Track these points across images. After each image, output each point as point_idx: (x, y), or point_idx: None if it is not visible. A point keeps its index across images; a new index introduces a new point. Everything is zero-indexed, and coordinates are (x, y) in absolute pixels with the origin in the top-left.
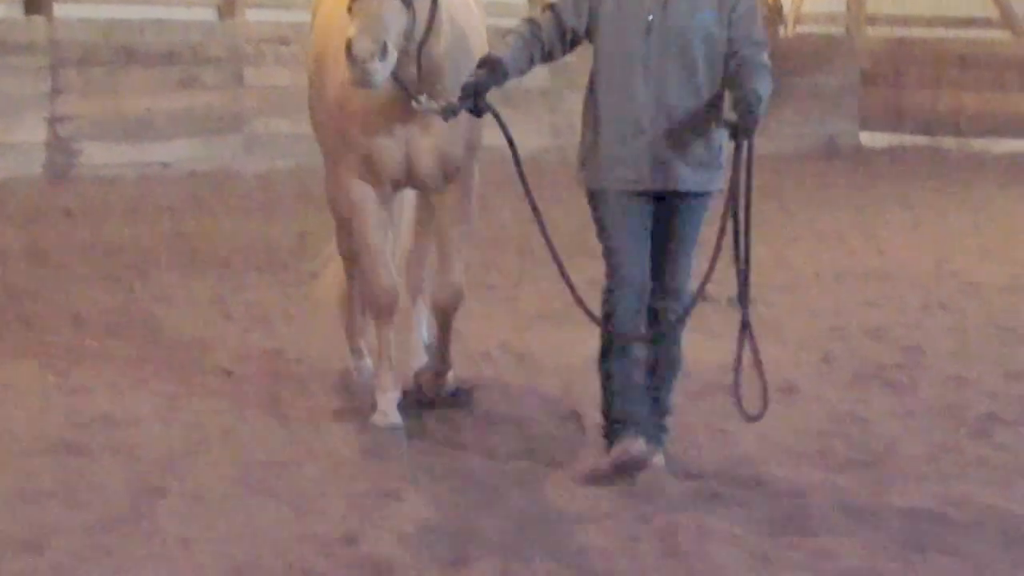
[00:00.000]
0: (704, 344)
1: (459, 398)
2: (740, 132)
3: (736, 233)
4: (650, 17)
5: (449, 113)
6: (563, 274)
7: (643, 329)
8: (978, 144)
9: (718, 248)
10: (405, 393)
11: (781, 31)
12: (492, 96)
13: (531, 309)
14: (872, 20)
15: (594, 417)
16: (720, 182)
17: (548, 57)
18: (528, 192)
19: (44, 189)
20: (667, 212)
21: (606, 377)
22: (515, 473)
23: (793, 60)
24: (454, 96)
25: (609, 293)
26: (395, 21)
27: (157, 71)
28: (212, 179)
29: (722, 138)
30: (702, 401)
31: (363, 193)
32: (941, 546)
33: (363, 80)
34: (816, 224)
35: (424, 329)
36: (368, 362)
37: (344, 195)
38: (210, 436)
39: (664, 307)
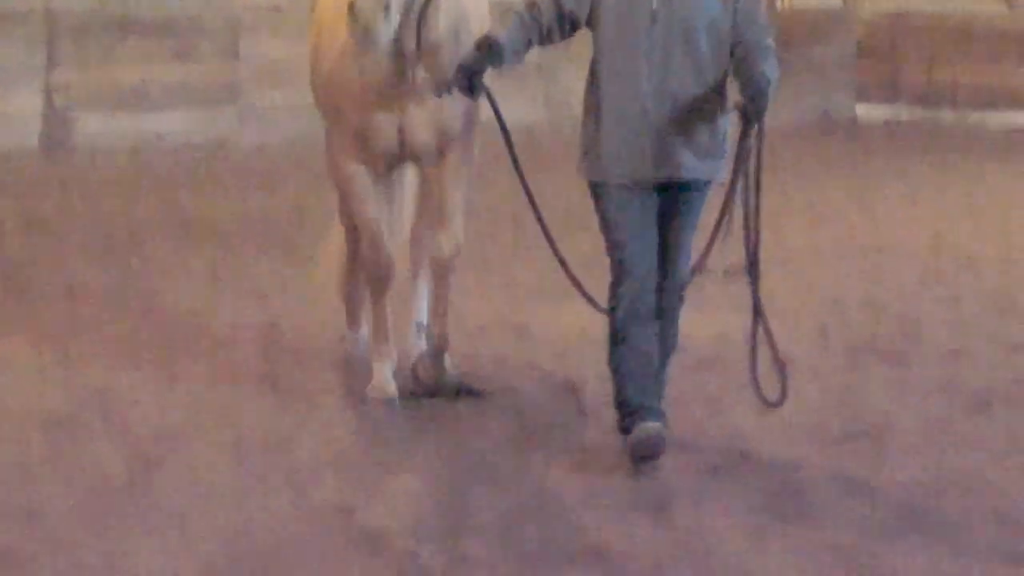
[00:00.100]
0: (699, 318)
1: (461, 393)
2: (751, 115)
3: (747, 219)
4: (654, 5)
5: (442, 90)
6: (558, 257)
7: (652, 322)
8: (975, 118)
9: (717, 227)
10: (412, 392)
11: (778, 4)
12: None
13: (528, 283)
14: None
15: (590, 390)
16: (723, 171)
17: (547, 41)
18: (522, 178)
19: (39, 160)
20: (670, 202)
21: (617, 370)
22: (510, 446)
23: (789, 33)
24: (451, 73)
25: (616, 288)
26: None
27: (153, 42)
28: (208, 151)
29: (726, 126)
30: (697, 375)
31: (358, 167)
32: (936, 520)
33: (365, 39)
34: (812, 198)
35: (425, 313)
36: (365, 333)
37: (340, 168)
38: (206, 409)
39: (663, 292)
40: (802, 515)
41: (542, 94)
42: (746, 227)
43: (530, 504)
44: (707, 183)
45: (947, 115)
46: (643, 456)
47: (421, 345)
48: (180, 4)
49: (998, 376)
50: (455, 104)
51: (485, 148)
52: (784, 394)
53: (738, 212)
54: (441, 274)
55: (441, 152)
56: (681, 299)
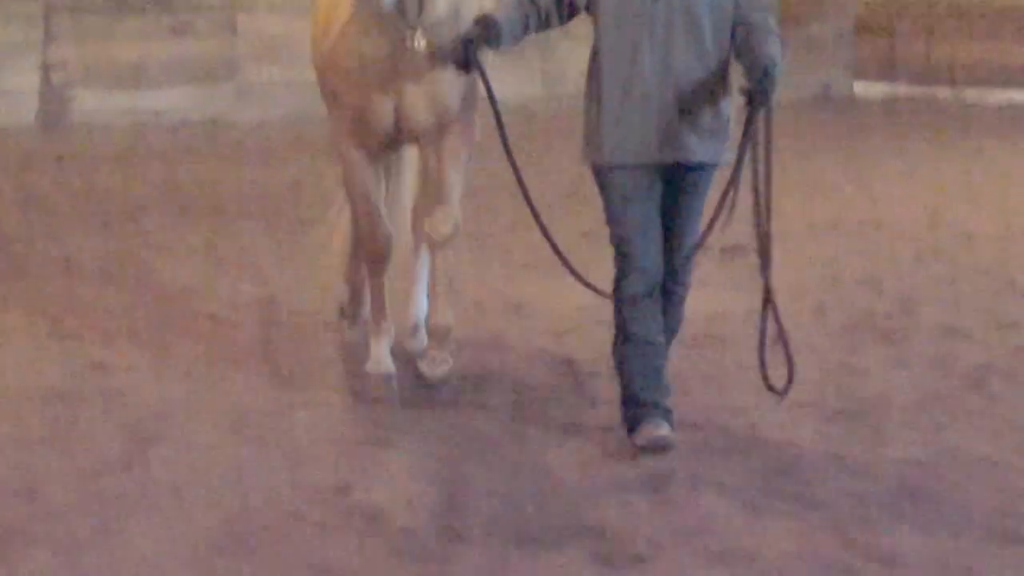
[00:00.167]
0: (696, 294)
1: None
2: (758, 99)
3: (757, 204)
4: None
5: (438, 55)
6: (551, 242)
7: (659, 317)
8: (973, 95)
9: (719, 207)
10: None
11: None
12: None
13: (526, 259)
14: None
15: (588, 368)
16: (728, 153)
17: (545, 25)
18: (512, 160)
19: (36, 136)
20: (674, 185)
21: (621, 364)
22: (507, 422)
23: (788, 10)
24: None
25: (620, 280)
26: None
27: (150, 18)
28: (205, 127)
29: (729, 108)
30: (695, 351)
31: (357, 148)
32: (933, 497)
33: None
34: (809, 174)
35: (422, 308)
36: (365, 309)
37: (340, 150)
38: (202, 384)
39: (668, 277)
40: (799, 492)
41: (539, 70)
42: (757, 214)
43: (527, 482)
44: (712, 166)
45: (945, 92)
46: (646, 454)
47: (416, 345)
48: None
49: (995, 353)
50: (453, 84)
51: (485, 124)
52: (790, 383)
53: (745, 196)
54: (440, 257)
55: (440, 132)
56: (687, 284)
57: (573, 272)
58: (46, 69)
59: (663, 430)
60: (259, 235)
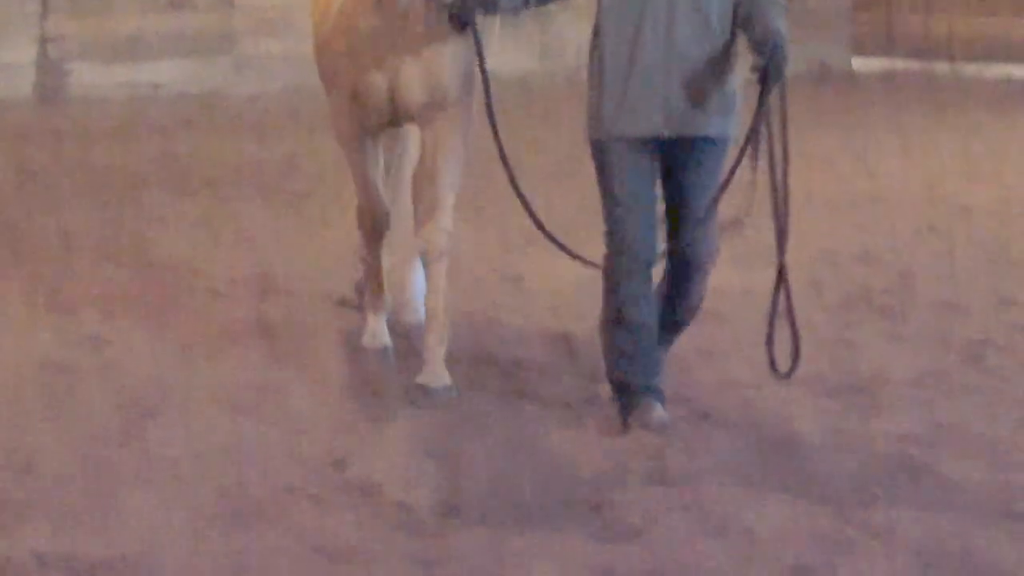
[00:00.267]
0: None
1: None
2: (771, 73)
3: (774, 186)
4: None
5: (436, 5)
6: (535, 220)
7: (651, 296)
8: (970, 69)
9: (726, 182)
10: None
11: None
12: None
13: (521, 232)
14: None
15: (584, 343)
16: (735, 128)
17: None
18: (496, 134)
19: (34, 110)
20: (682, 163)
21: (609, 346)
22: (504, 397)
23: None
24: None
25: (611, 259)
26: None
27: None
28: (202, 100)
29: (735, 82)
30: (692, 326)
31: (352, 123)
32: (929, 471)
33: None
34: (807, 149)
35: (420, 273)
36: (388, 300)
37: (338, 129)
38: (199, 357)
39: (689, 248)
40: (796, 468)
41: (538, 43)
42: (774, 190)
43: (523, 456)
44: (720, 141)
45: (943, 67)
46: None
47: (413, 318)
48: None
49: (992, 327)
50: (450, 64)
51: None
52: (795, 364)
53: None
54: (432, 270)
55: (436, 115)
56: (710, 252)
57: (558, 243)
58: (43, 42)
59: (655, 415)
60: (256, 208)
